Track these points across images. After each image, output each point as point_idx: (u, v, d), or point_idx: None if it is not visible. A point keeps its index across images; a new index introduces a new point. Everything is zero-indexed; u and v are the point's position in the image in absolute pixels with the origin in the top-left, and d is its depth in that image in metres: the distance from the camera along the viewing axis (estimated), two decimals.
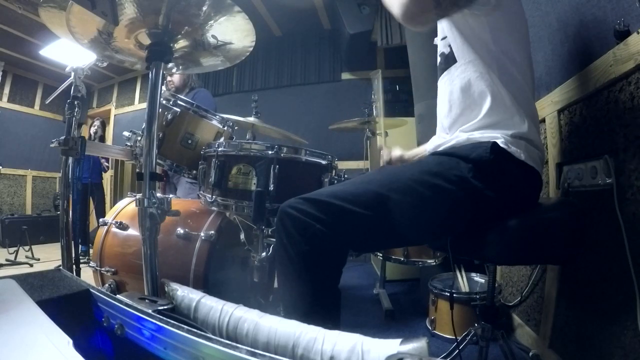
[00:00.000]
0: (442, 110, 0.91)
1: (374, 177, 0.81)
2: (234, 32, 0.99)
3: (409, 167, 0.81)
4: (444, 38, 0.90)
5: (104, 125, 3.91)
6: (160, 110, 1.19)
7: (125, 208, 1.45)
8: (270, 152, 1.10)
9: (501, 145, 0.76)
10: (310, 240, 0.70)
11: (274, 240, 1.21)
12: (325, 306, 0.72)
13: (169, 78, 2.31)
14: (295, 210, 0.72)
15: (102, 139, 3.81)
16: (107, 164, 3.95)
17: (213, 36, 1.00)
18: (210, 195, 1.16)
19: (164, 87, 2.28)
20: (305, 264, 0.71)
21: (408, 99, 3.08)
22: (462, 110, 0.85)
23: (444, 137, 0.90)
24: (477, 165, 0.75)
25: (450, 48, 0.86)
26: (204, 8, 0.90)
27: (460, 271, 1.63)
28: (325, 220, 0.70)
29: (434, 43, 0.97)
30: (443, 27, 0.90)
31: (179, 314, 0.70)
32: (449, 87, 0.87)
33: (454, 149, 0.82)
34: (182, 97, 1.42)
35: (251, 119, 1.62)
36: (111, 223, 1.38)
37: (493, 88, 0.80)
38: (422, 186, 0.74)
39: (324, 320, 0.62)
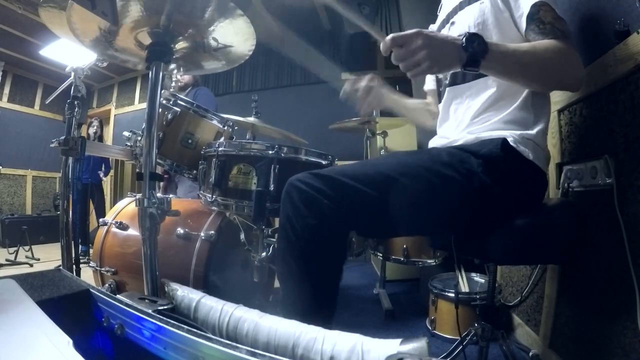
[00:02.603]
0: (464, 109, 0.90)
1: (384, 161, 0.81)
2: (234, 35, 0.98)
3: (420, 155, 0.82)
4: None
5: (101, 125, 3.91)
6: (160, 110, 1.19)
7: (125, 208, 1.45)
8: (270, 152, 1.10)
9: (511, 143, 0.77)
10: (317, 214, 0.69)
11: (274, 240, 1.22)
12: (323, 292, 0.72)
13: (179, 77, 2.32)
14: (304, 184, 0.71)
15: (101, 139, 3.81)
16: (104, 174, 3.90)
17: (214, 39, 1.00)
18: (210, 195, 1.16)
19: (171, 85, 2.30)
20: (311, 238, 0.69)
21: None
22: (492, 103, 0.85)
23: (447, 139, 0.90)
24: (486, 161, 0.75)
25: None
26: (208, 10, 0.89)
27: (460, 271, 1.63)
28: (333, 196, 0.69)
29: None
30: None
31: (179, 314, 0.69)
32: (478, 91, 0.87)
33: (464, 146, 0.82)
34: (182, 96, 1.41)
35: (251, 119, 1.62)
36: (111, 223, 1.38)
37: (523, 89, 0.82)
38: (432, 174, 0.74)
39: (319, 305, 0.61)
